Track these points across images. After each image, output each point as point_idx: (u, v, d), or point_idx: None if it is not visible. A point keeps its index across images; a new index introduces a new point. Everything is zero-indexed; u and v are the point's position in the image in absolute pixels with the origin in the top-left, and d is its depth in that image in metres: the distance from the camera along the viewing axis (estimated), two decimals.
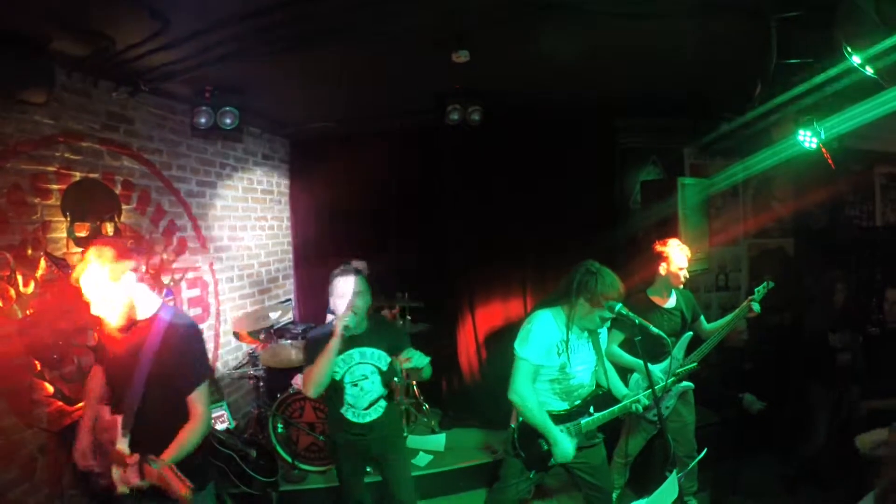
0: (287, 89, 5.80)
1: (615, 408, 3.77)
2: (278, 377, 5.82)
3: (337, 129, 7.11)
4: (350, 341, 3.86)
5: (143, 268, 3.15)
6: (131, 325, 3.06)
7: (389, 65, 5.21)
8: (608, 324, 3.68)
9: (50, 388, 4.22)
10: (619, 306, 3.45)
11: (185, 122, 5.65)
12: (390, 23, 4.24)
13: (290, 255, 7.91)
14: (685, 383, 4.48)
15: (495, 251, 7.07)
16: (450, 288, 7.16)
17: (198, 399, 3.06)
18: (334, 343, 3.73)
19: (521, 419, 3.74)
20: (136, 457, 2.88)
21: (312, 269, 7.51)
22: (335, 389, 3.92)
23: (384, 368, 3.95)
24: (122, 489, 2.91)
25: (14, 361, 4.01)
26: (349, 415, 3.95)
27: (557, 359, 3.62)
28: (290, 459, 5.45)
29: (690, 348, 4.53)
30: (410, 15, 4.16)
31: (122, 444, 2.95)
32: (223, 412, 5.48)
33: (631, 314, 3.40)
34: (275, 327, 6.42)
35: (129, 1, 3.72)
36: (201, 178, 6.07)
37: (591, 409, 3.78)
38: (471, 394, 6.97)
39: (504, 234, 7.03)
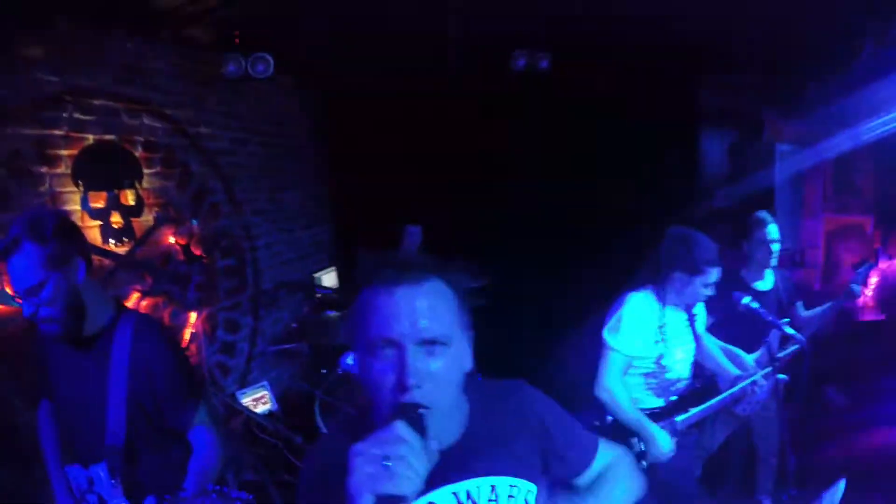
0: (323, 31, 5.20)
1: (702, 406, 3.34)
2: (323, 353, 5.36)
3: (381, 81, 6.47)
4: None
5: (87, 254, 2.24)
6: (83, 340, 2.25)
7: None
8: (713, 291, 3.17)
9: None
10: (746, 299, 3.19)
11: (212, 73, 5.08)
12: None
13: (333, 219, 7.39)
14: (779, 375, 3.87)
15: (563, 222, 6.41)
16: (506, 265, 6.52)
17: (204, 422, 2.34)
18: None
19: (609, 418, 3.27)
20: None
21: (357, 233, 6.97)
22: None
23: None
24: None
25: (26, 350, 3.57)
26: None
27: (654, 348, 3.18)
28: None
29: (787, 337, 3.93)
30: None
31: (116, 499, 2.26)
32: (265, 392, 5.08)
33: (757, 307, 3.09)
34: (319, 296, 5.95)
35: None
36: (233, 135, 5.53)
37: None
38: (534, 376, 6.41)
39: (575, 202, 6.33)
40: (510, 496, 1.40)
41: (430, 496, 1.33)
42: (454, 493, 1.36)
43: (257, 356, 5.63)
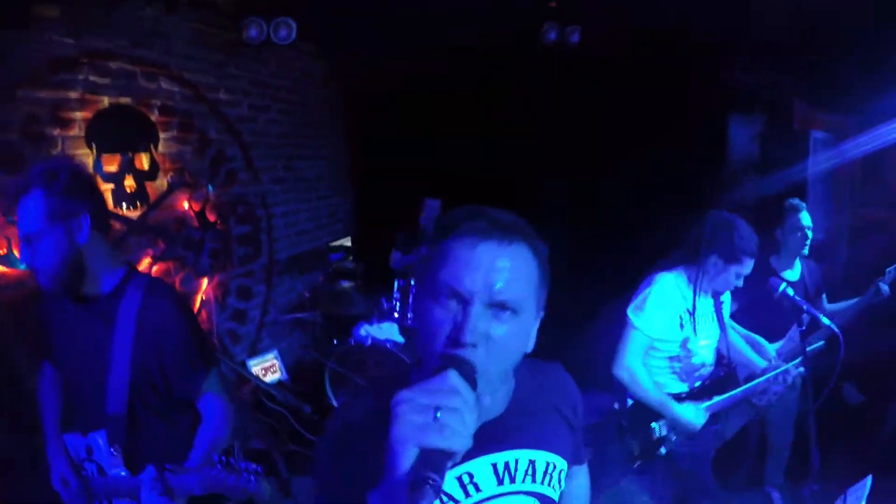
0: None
1: (728, 394, 3.21)
2: (336, 323, 5.35)
3: (405, 51, 6.36)
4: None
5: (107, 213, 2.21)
6: (88, 300, 2.18)
7: None
8: (741, 282, 3.06)
9: None
10: (784, 286, 2.97)
11: (233, 37, 5.03)
12: None
13: (350, 189, 7.34)
14: (800, 368, 3.76)
15: (589, 205, 6.29)
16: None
17: (215, 390, 2.24)
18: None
19: (629, 402, 3.21)
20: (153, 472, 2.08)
21: (376, 205, 6.91)
22: None
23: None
24: None
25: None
26: None
27: (680, 332, 3.07)
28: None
29: (809, 329, 3.80)
30: None
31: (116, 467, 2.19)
32: (275, 361, 5.09)
33: (799, 300, 2.95)
34: (334, 266, 5.93)
35: None
36: (253, 102, 5.47)
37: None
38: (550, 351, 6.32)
39: (601, 183, 6.23)
40: (546, 472, 1.37)
41: (469, 465, 1.28)
42: (493, 464, 1.31)
43: (269, 325, 5.63)
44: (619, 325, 3.12)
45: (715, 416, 3.27)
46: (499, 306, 1.15)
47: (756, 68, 6.07)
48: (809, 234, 3.87)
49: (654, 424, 3.18)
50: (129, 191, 4.09)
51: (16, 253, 3.43)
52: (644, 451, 3.24)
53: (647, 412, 3.15)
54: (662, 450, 3.21)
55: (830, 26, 4.74)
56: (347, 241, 6.74)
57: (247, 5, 4.78)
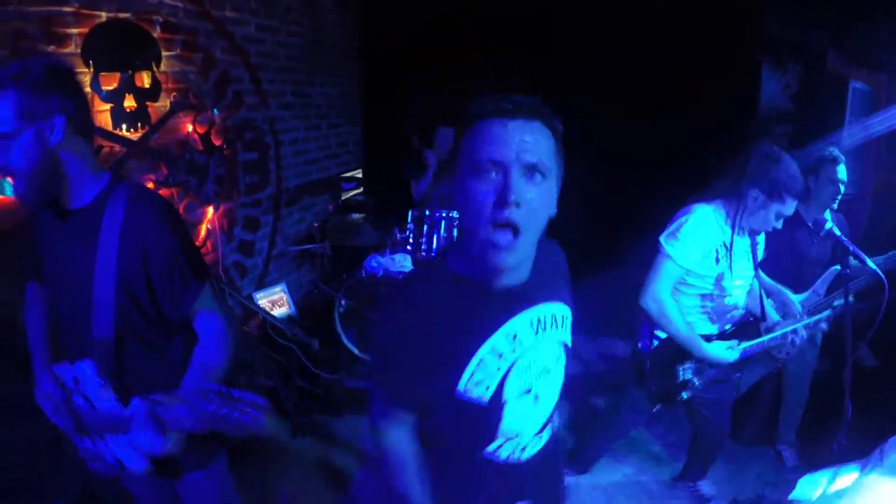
0: None
1: (756, 341, 3.08)
2: (346, 255, 5.13)
3: None
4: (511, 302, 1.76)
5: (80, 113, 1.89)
6: (69, 213, 1.96)
7: None
8: (780, 224, 2.88)
9: None
10: (829, 223, 2.86)
11: None
12: None
13: (361, 119, 7.00)
14: (821, 325, 3.55)
15: (613, 169, 5.97)
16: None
17: (206, 310, 2.03)
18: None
19: (655, 344, 3.06)
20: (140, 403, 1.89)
21: (387, 135, 6.61)
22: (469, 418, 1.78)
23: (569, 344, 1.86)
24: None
25: None
26: (505, 451, 1.72)
27: (715, 267, 2.90)
28: (357, 352, 4.82)
29: (834, 285, 3.61)
30: None
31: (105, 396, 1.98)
32: (282, 294, 4.89)
33: (842, 237, 2.79)
34: (344, 199, 5.68)
35: None
36: (262, 22, 5.11)
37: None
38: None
39: (631, 148, 5.91)
40: (563, 320, 1.70)
41: (512, 324, 1.56)
42: (529, 321, 1.59)
43: (276, 257, 5.40)
44: (650, 254, 2.96)
45: (737, 364, 3.13)
46: (531, 169, 1.39)
47: (791, 22, 5.74)
48: (843, 188, 3.65)
49: (679, 366, 3.05)
50: (128, 111, 3.79)
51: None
52: (666, 395, 3.13)
53: (671, 354, 3.03)
54: (685, 394, 3.09)
55: None
56: (359, 173, 6.47)
57: None
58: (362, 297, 4.85)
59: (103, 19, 3.68)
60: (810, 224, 3.68)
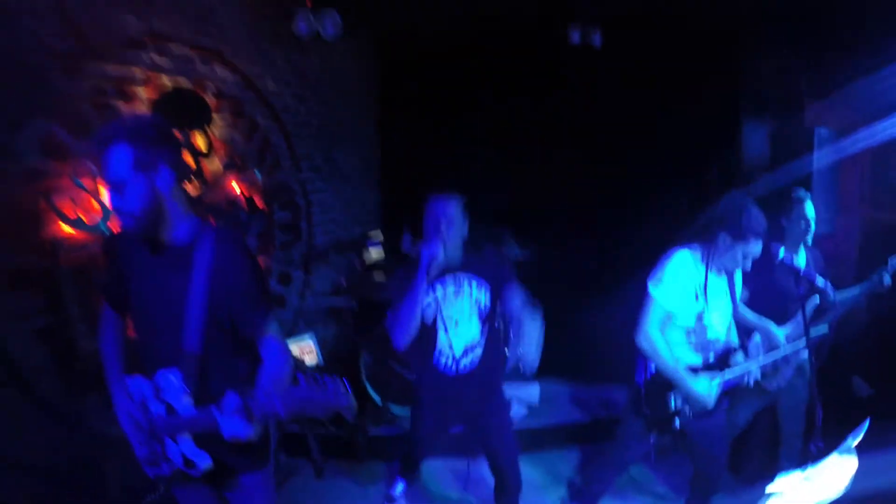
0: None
1: (737, 370, 3.32)
2: (371, 310, 5.31)
3: (437, 45, 6.38)
4: (442, 274, 3.24)
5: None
6: (165, 247, 2.22)
7: None
8: (749, 263, 3.18)
9: None
10: (783, 251, 3.30)
11: (279, 30, 5.05)
12: None
13: (383, 181, 7.26)
14: (803, 347, 3.74)
15: (602, 188, 6.28)
16: (555, 225, 6.44)
17: (275, 333, 2.31)
18: (420, 279, 3.08)
19: (650, 375, 3.30)
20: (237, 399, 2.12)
21: (406, 197, 6.88)
22: (424, 334, 3.30)
23: (484, 304, 3.31)
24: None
25: (97, 282, 3.57)
26: (442, 363, 3.33)
27: (695, 304, 3.18)
28: (380, 401, 4.97)
29: (816, 316, 3.85)
30: None
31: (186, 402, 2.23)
32: (310, 344, 5.05)
33: (792, 262, 3.05)
34: (364, 259, 5.91)
35: None
36: (295, 92, 5.47)
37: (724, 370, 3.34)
38: (567, 344, 6.33)
39: (615, 172, 6.23)
40: (477, 284, 3.28)
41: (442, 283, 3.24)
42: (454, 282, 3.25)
43: (305, 309, 5.60)
44: (641, 298, 3.24)
45: (726, 396, 3.35)
46: (451, 220, 3.10)
47: (767, 67, 6.13)
48: (813, 224, 3.90)
49: (671, 396, 3.27)
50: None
51: (82, 217, 3.43)
52: (660, 423, 3.32)
53: (663, 385, 3.25)
54: (677, 421, 3.29)
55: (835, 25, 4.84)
56: (379, 234, 6.71)
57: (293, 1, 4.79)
58: (386, 349, 5.02)
59: (166, 83, 3.99)
60: (787, 262, 3.91)
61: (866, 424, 2.23)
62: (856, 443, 2.16)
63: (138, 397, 2.30)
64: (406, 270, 3.20)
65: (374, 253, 5.97)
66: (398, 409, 5.01)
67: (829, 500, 2.02)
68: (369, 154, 6.93)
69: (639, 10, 5.47)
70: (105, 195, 3.54)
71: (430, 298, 3.22)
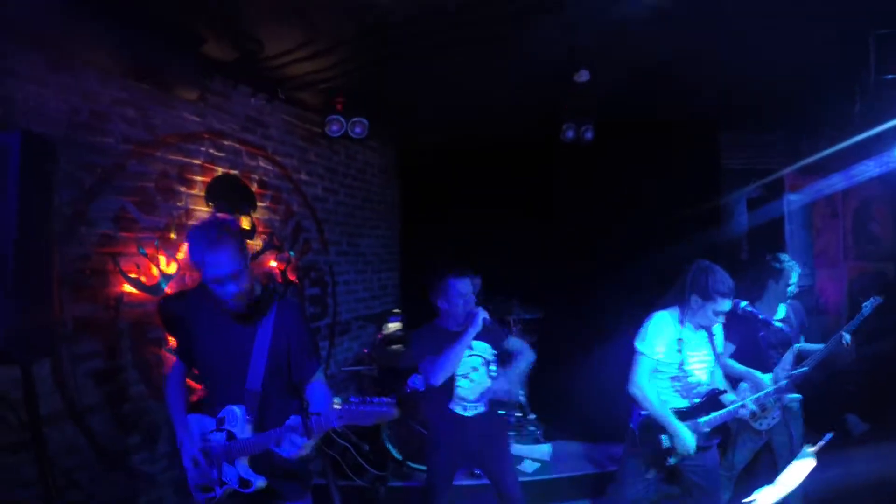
0: (408, 100, 5.66)
1: (723, 410, 3.53)
2: (389, 377, 5.55)
3: (449, 143, 6.91)
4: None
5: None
6: (246, 309, 2.61)
7: (510, 78, 5.03)
8: (722, 319, 3.49)
9: None
10: (743, 304, 3.57)
11: (313, 130, 5.57)
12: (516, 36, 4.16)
13: (399, 264, 7.71)
14: (793, 395, 4.02)
15: (602, 265, 6.63)
16: (557, 299, 6.75)
17: (322, 378, 2.74)
18: (469, 334, 3.54)
19: (642, 415, 3.56)
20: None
21: (421, 277, 7.22)
22: (446, 383, 3.69)
23: (490, 360, 3.77)
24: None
25: (149, 335, 3.91)
26: (458, 409, 3.71)
27: (676, 356, 3.48)
28: (400, 458, 5.15)
29: (797, 361, 4.11)
30: (538, 28, 4.07)
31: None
32: (337, 405, 5.25)
33: (758, 309, 3.57)
34: (386, 331, 6.19)
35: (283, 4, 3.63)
36: (326, 185, 5.96)
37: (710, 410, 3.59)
38: (575, 406, 6.50)
39: (611, 249, 6.60)
40: (485, 349, 3.66)
41: None
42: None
43: (330, 377, 5.84)
44: (630, 355, 3.56)
45: (717, 433, 3.56)
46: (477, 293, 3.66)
47: (744, 144, 6.63)
48: (791, 289, 4.18)
49: (661, 436, 3.48)
50: None
51: (143, 280, 3.78)
52: (655, 460, 3.52)
53: (656, 425, 3.48)
54: (672, 460, 3.47)
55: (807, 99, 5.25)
56: (397, 310, 7.03)
57: (329, 105, 5.27)
58: (406, 409, 5.24)
59: (219, 173, 4.43)
60: (768, 318, 4.02)
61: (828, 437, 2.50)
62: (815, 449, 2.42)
63: (199, 431, 2.68)
64: (430, 331, 3.73)
65: (392, 327, 6.25)
66: (416, 465, 5.18)
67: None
68: (389, 241, 7.33)
69: (627, 110, 5.94)
70: (162, 262, 3.91)
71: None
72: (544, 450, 5.70)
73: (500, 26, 4.04)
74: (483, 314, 3.57)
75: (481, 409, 3.73)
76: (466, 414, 3.70)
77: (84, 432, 3.49)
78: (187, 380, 2.90)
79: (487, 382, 3.74)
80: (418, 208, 7.52)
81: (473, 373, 3.70)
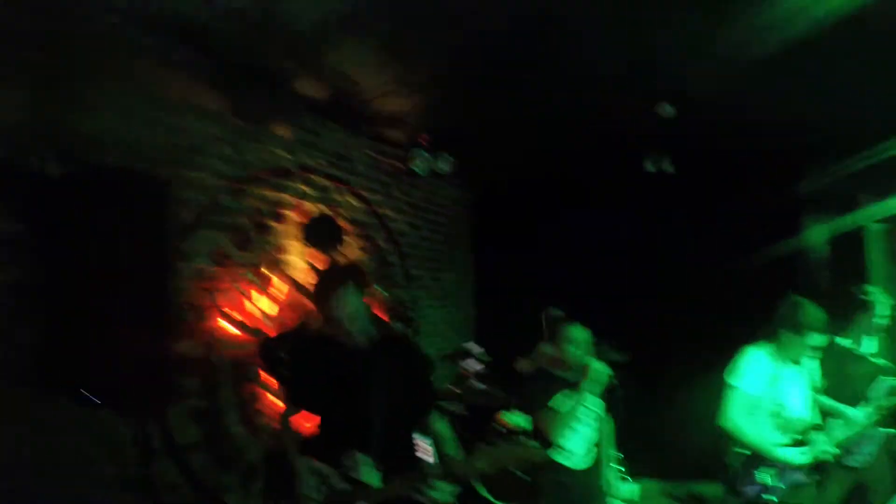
0: (489, 136, 5.48)
1: (817, 447, 3.39)
2: (478, 413, 5.28)
3: (527, 177, 6.68)
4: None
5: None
6: (370, 350, 2.52)
7: (591, 113, 4.81)
8: (817, 354, 3.42)
9: (278, 403, 3.92)
10: (837, 339, 3.51)
11: (395, 165, 5.43)
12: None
13: (476, 300, 7.41)
14: (889, 430, 3.78)
15: (685, 301, 6.25)
16: (639, 333, 6.37)
17: (439, 417, 2.64)
18: (591, 391, 3.30)
19: (739, 452, 3.39)
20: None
21: (498, 316, 6.97)
22: None
23: (600, 413, 3.52)
24: None
25: (246, 372, 3.77)
26: (566, 461, 3.43)
27: (772, 391, 3.38)
28: (491, 499, 4.83)
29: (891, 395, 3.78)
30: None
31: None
32: (426, 445, 5.00)
33: (845, 342, 3.47)
34: (463, 370, 5.94)
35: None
36: (409, 220, 5.81)
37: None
38: (658, 444, 6.12)
39: (690, 282, 6.23)
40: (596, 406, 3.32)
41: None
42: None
43: None
44: (717, 390, 3.43)
45: (815, 470, 3.40)
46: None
47: (824, 172, 6.18)
48: (883, 321, 3.91)
49: (762, 475, 3.32)
50: None
51: (240, 318, 3.65)
52: (754, 498, 3.35)
53: (751, 464, 3.34)
54: (771, 496, 3.31)
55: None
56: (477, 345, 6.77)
57: (413, 141, 5.13)
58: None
59: (310, 208, 4.33)
60: (859, 351, 3.87)
61: None
62: None
63: (315, 479, 2.48)
64: (542, 379, 3.50)
65: (474, 364, 5.99)
66: None
67: None
68: (466, 276, 7.11)
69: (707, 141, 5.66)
70: (262, 302, 3.78)
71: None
72: (633, 489, 5.32)
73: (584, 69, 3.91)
74: (606, 370, 3.33)
75: (589, 461, 3.48)
76: (572, 466, 3.43)
77: (182, 470, 3.36)
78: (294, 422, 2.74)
79: (596, 436, 3.50)
80: (495, 244, 7.27)
81: (583, 426, 3.44)
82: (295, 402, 2.70)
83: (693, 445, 4.63)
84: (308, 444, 2.61)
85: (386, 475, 2.40)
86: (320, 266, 4.30)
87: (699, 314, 6.22)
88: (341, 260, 4.53)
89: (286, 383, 2.79)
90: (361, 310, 2.46)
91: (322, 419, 2.61)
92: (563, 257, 6.71)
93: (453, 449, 2.55)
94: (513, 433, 4.92)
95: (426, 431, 2.60)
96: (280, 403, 3.88)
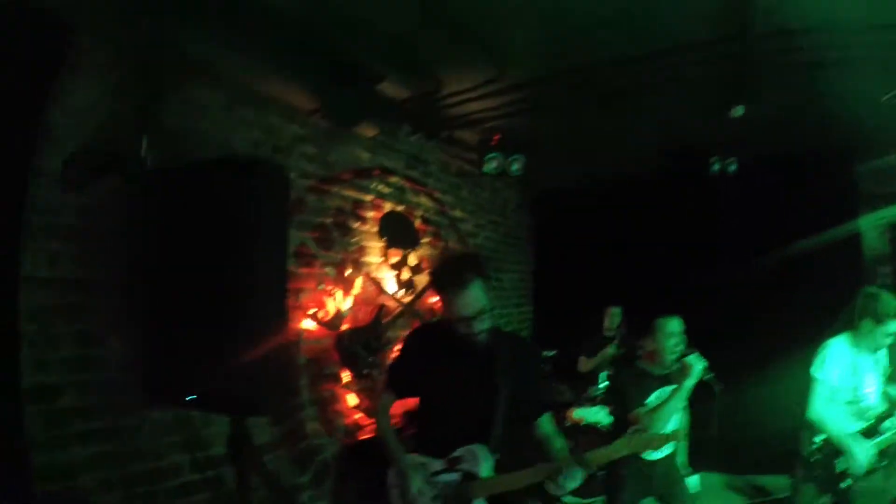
0: (554, 138, 5.29)
1: (888, 434, 3.37)
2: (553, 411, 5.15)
3: (586, 178, 6.47)
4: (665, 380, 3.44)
5: None
6: (473, 345, 2.34)
7: (658, 115, 4.59)
8: (889, 341, 3.39)
9: (352, 400, 3.81)
10: None
11: (464, 167, 5.32)
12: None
13: (533, 300, 7.25)
14: None
15: (744, 297, 5.98)
16: (702, 331, 6.13)
17: (547, 416, 2.45)
18: (686, 387, 3.27)
19: (818, 443, 3.43)
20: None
21: (554, 314, 6.78)
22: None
23: (685, 405, 3.54)
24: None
25: (326, 370, 3.70)
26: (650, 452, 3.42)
27: (851, 380, 3.42)
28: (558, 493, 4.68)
29: None
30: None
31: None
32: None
33: None
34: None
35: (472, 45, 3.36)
36: (477, 222, 5.69)
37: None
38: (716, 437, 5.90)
39: (753, 281, 5.95)
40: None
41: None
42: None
43: None
44: (810, 384, 3.44)
45: (885, 456, 3.36)
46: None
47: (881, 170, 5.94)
48: None
49: (835, 461, 3.35)
50: (403, 280, 4.19)
51: (320, 315, 3.55)
52: (829, 483, 3.39)
53: (831, 451, 3.35)
54: (847, 482, 3.32)
55: None
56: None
57: (483, 143, 4.97)
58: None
59: (389, 209, 4.21)
60: None
61: None
62: None
63: (422, 473, 2.37)
64: (634, 374, 3.45)
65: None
66: (574, 499, 4.72)
67: None
68: (525, 275, 6.95)
69: (769, 142, 5.42)
70: (339, 299, 3.67)
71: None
72: (693, 481, 5.14)
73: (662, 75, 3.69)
74: (701, 363, 3.29)
75: (668, 451, 3.42)
76: (653, 457, 3.38)
77: (258, 470, 3.27)
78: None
79: (677, 426, 3.43)
80: (553, 243, 7.07)
81: (672, 419, 3.42)
82: (406, 393, 2.58)
83: (755, 439, 4.70)
84: (413, 438, 2.52)
85: (503, 469, 2.33)
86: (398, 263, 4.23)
87: (757, 310, 5.97)
88: (415, 261, 4.42)
89: (394, 373, 2.59)
90: (488, 306, 2.30)
91: (434, 412, 2.50)
92: (623, 255, 6.49)
93: (561, 442, 2.41)
94: (590, 429, 4.80)
95: (537, 426, 2.46)
96: (352, 400, 3.80)
